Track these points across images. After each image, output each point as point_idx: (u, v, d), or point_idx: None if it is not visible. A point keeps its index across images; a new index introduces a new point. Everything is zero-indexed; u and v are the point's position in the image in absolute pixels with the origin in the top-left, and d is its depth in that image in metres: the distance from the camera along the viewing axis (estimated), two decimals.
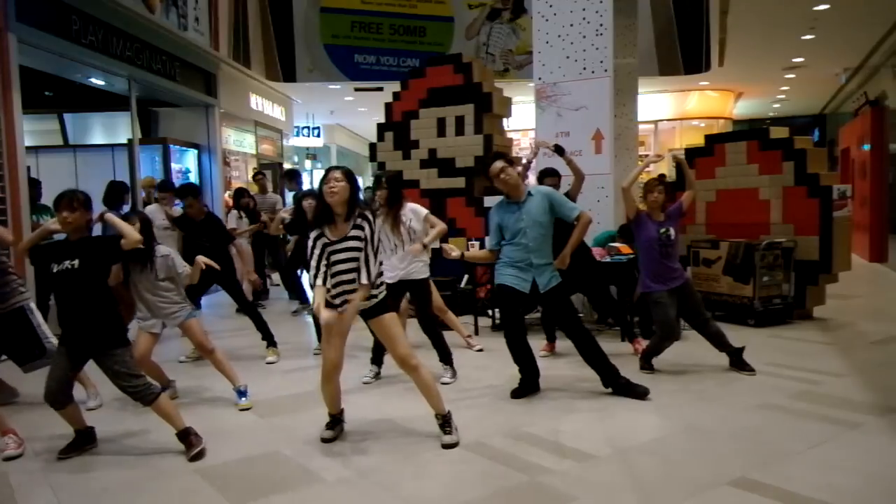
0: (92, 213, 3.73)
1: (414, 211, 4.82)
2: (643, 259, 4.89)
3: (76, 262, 3.49)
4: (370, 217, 3.58)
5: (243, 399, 4.44)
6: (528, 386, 4.54)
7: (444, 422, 3.67)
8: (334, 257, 3.53)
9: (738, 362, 4.88)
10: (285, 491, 3.12)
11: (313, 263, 3.55)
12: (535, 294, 4.37)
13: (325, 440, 3.72)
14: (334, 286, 3.56)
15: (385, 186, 4.76)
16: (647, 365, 4.98)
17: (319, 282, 3.52)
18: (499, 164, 4.32)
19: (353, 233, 3.53)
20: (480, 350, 5.81)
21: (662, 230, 4.77)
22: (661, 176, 4.74)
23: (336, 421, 3.84)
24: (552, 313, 4.59)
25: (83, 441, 3.71)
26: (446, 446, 3.57)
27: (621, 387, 4.38)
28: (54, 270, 3.50)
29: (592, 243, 6.31)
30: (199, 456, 3.54)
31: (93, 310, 3.53)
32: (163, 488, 3.21)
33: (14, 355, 4.34)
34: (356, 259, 3.52)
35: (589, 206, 6.83)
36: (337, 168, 3.58)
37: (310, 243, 3.57)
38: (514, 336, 4.51)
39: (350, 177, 3.55)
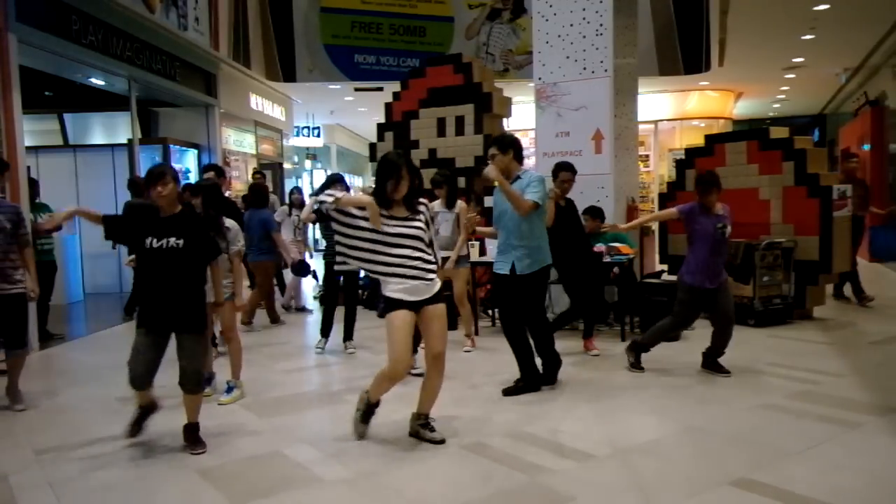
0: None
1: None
2: (693, 252, 4.84)
3: (181, 241, 3.52)
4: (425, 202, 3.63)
5: (227, 395, 4.50)
6: (525, 385, 4.54)
7: (428, 423, 3.69)
8: (397, 240, 3.45)
9: (712, 364, 4.92)
10: (285, 491, 3.12)
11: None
12: (513, 276, 4.47)
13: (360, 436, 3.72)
14: (398, 266, 3.47)
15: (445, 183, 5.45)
16: (638, 361, 5.03)
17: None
18: (490, 150, 4.49)
19: (415, 217, 3.53)
20: (468, 351, 5.82)
21: (720, 225, 4.73)
22: (710, 172, 4.77)
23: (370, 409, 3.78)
24: (521, 296, 4.57)
25: (149, 412, 3.79)
26: (437, 442, 3.60)
27: (542, 380, 4.60)
28: (152, 246, 3.49)
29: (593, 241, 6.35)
30: (198, 449, 3.58)
31: (191, 290, 3.59)
32: (163, 488, 3.21)
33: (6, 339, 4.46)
34: (422, 239, 3.51)
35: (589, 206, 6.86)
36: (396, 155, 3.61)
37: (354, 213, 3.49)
38: (507, 325, 4.61)
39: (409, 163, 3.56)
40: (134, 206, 4.52)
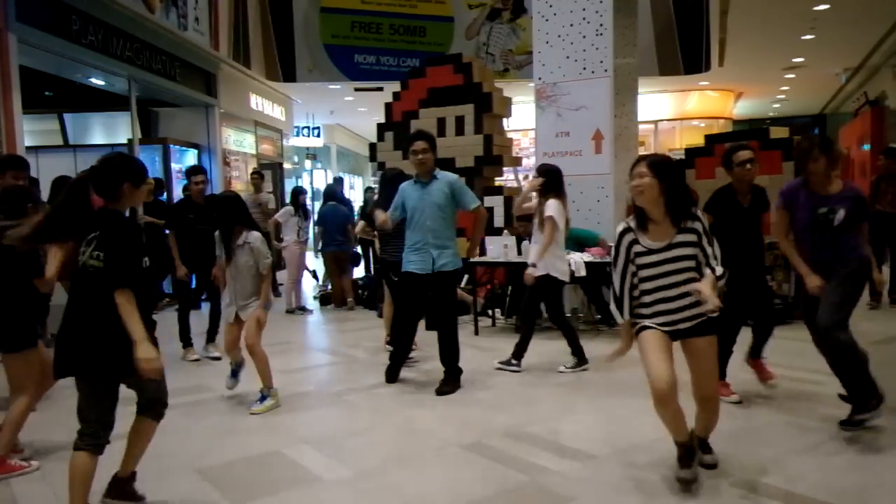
0: None
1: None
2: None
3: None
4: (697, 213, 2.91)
5: (259, 405, 4.29)
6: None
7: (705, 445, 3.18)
8: (654, 270, 2.89)
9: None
10: (285, 491, 3.12)
11: (620, 281, 2.98)
12: (431, 274, 4.56)
13: (684, 481, 2.93)
14: (652, 303, 2.93)
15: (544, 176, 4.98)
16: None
17: (626, 312, 2.98)
18: (420, 143, 4.54)
19: (683, 237, 2.86)
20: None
21: (822, 210, 3.61)
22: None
23: (689, 452, 2.97)
24: (435, 295, 4.63)
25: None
26: (709, 466, 3.16)
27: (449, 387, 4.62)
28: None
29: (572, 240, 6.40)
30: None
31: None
32: (163, 488, 3.20)
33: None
34: (690, 269, 2.86)
35: (589, 206, 6.87)
36: (643, 158, 2.95)
37: (615, 251, 3.01)
38: (408, 320, 4.73)
39: (660, 168, 2.84)
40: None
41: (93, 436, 2.76)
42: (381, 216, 4.71)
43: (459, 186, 4.60)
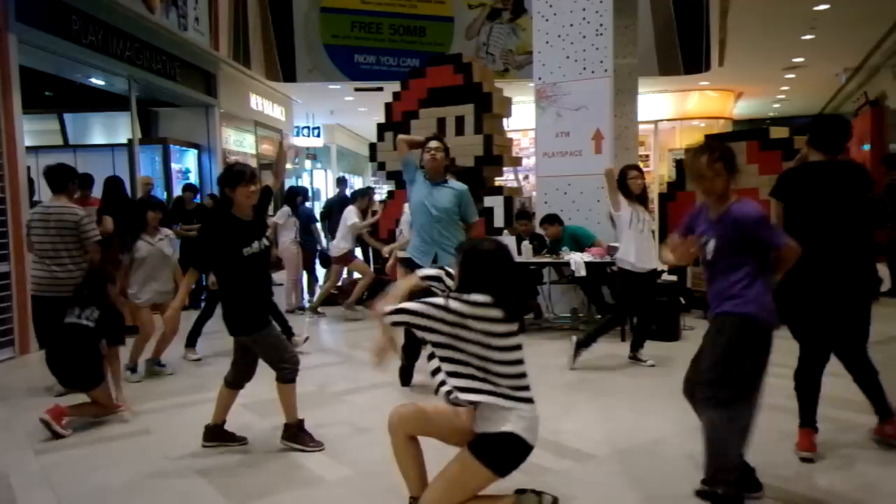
0: None
1: None
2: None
3: (265, 240, 3.58)
4: None
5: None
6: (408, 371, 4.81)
7: None
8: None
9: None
10: (285, 491, 3.12)
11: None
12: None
13: None
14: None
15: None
16: None
17: None
18: (435, 142, 4.62)
19: None
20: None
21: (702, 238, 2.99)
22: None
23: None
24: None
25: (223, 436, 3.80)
26: None
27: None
28: (246, 254, 3.47)
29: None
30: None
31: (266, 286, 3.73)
32: (163, 488, 3.20)
33: None
34: None
35: (589, 206, 6.89)
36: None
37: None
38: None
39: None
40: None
41: (228, 373, 3.71)
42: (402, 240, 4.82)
43: (467, 199, 4.68)
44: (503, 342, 2.42)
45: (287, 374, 3.56)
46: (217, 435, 3.70)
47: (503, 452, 2.43)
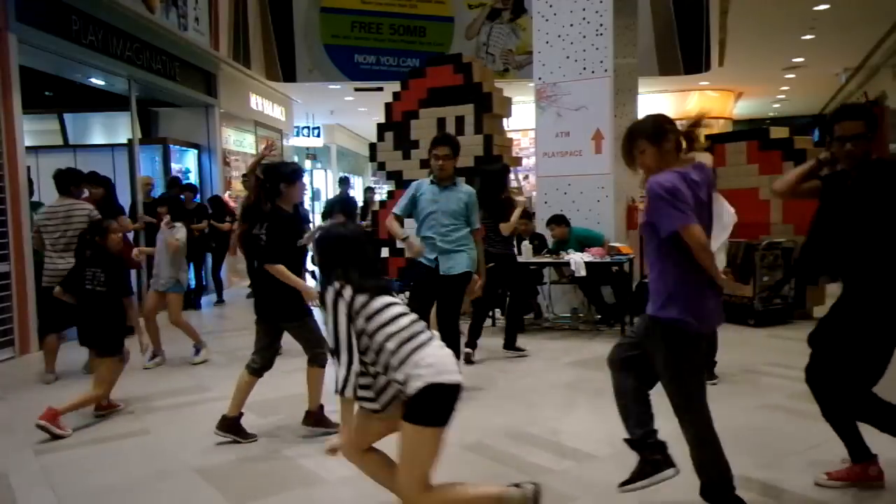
0: None
1: None
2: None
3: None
4: None
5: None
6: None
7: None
8: None
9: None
10: (285, 491, 3.12)
11: None
12: (435, 275, 4.53)
13: None
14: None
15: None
16: None
17: None
18: (443, 149, 4.54)
19: None
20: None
21: None
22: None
23: None
24: (441, 296, 4.60)
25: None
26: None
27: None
28: (298, 245, 3.82)
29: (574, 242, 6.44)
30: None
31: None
32: (163, 488, 3.20)
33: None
34: None
35: (589, 206, 6.88)
36: None
37: None
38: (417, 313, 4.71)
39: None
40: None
41: (254, 361, 3.85)
42: (415, 246, 4.52)
43: (474, 203, 4.65)
44: (385, 315, 2.46)
45: (322, 359, 3.77)
46: (232, 427, 3.74)
47: (430, 405, 2.42)
